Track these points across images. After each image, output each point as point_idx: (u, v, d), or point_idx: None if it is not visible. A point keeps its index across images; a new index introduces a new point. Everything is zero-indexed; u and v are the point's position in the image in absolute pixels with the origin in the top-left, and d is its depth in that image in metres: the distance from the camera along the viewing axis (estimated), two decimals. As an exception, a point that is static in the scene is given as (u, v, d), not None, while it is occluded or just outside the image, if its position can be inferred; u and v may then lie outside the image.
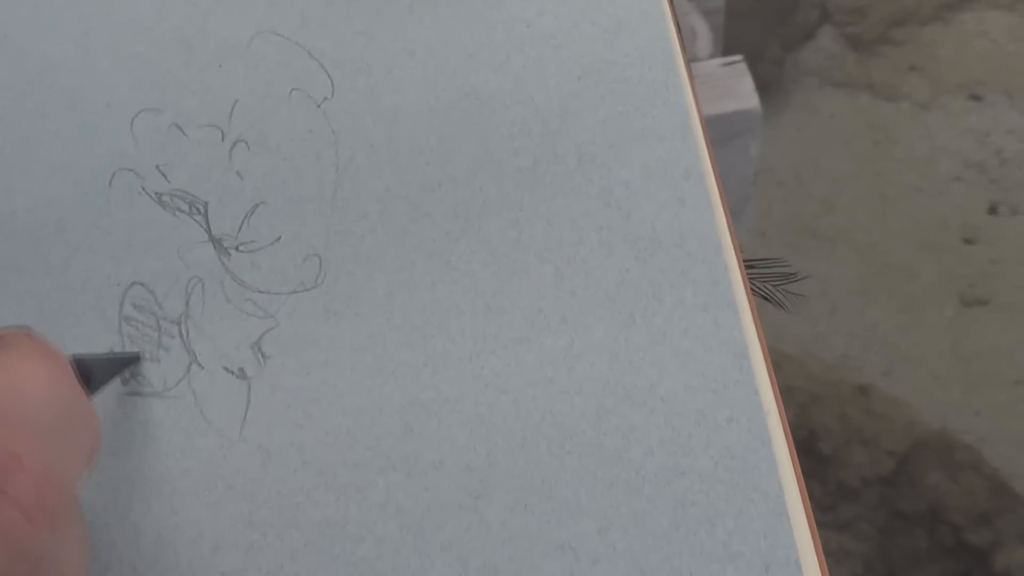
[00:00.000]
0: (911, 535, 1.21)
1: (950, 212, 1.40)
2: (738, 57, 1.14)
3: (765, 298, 0.55)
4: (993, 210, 1.39)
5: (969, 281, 1.34)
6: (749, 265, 0.38)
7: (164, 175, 0.39)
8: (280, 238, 0.38)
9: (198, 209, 0.38)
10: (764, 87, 1.37)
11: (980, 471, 1.23)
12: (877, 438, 1.26)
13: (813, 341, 1.30)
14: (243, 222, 0.38)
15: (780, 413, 0.35)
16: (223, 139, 0.39)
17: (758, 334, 0.36)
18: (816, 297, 1.32)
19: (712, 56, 1.24)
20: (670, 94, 0.39)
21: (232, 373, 0.36)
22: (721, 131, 1.04)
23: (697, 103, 0.39)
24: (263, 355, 0.36)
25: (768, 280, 0.52)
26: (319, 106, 0.40)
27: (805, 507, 0.34)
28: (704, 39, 1.28)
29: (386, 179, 0.38)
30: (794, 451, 0.35)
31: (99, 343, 0.37)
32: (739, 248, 0.37)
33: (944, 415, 1.27)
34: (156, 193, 0.39)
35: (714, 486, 0.34)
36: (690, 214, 0.37)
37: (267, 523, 0.34)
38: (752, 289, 0.37)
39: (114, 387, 0.36)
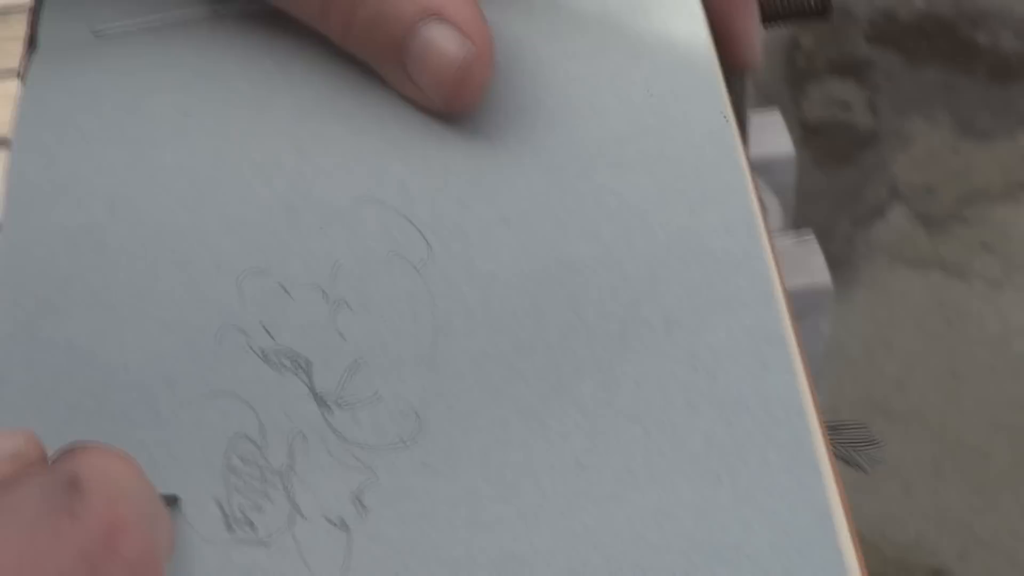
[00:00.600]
0: None
1: None
2: (809, 233, 1.27)
3: (846, 461, 0.65)
4: (1067, 390, 1.49)
5: (1045, 463, 1.45)
6: (831, 428, 0.47)
7: (269, 333, 0.50)
8: (379, 395, 0.49)
9: (301, 366, 0.49)
10: (834, 264, 1.49)
11: (1056, 655, 1.30)
12: None
13: (886, 522, 1.40)
14: (344, 379, 0.49)
15: (863, 570, 0.45)
16: (326, 300, 0.51)
17: (840, 496, 0.46)
18: (888, 477, 1.42)
19: (783, 232, 1.36)
20: (753, 263, 0.50)
21: (333, 524, 0.46)
22: (793, 307, 1.15)
23: (780, 272, 0.50)
24: (363, 507, 0.47)
25: (849, 444, 0.61)
26: (417, 269, 0.51)
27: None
28: (775, 214, 1.40)
29: (481, 341, 0.49)
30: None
31: (205, 493, 0.47)
32: (821, 412, 0.48)
33: None
34: (262, 350, 0.50)
35: (798, 644, 0.43)
36: (774, 378, 0.48)
37: (367, 673, 0.44)
38: (834, 452, 0.47)
39: (217, 533, 0.47)
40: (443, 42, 0.48)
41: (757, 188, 0.50)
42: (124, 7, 0.58)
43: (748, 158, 0.53)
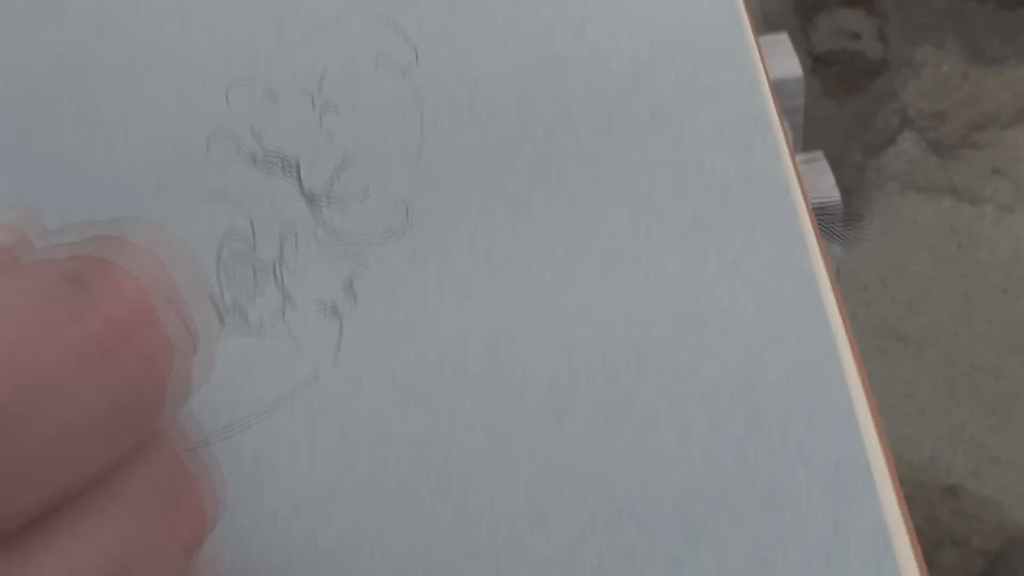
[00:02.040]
0: (1003, 636, 1.32)
1: None
2: (818, 154, 1.31)
3: (831, 236, 0.68)
4: (1079, 310, 1.54)
5: (1057, 380, 1.50)
6: (816, 208, 0.50)
7: (258, 139, 0.54)
8: (368, 191, 0.52)
9: (290, 168, 0.53)
10: (846, 192, 1.53)
11: (1072, 568, 1.34)
12: (967, 538, 1.38)
13: (900, 443, 1.45)
14: (333, 178, 0.52)
15: (848, 333, 0.48)
16: (313, 106, 0.54)
17: (826, 266, 0.49)
18: (902, 399, 1.46)
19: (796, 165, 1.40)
20: (737, 54, 0.53)
21: (325, 312, 0.50)
22: (778, 100, 1.20)
23: (764, 63, 0.54)
24: (354, 295, 0.50)
25: (833, 221, 0.64)
26: (403, 74, 0.54)
27: (873, 414, 0.46)
28: (789, 138, 1.45)
29: (469, 137, 0.53)
30: (862, 364, 0.48)
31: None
32: (807, 192, 0.51)
33: None
34: (250, 154, 0.53)
35: (785, 397, 0.46)
36: (759, 161, 0.51)
37: (360, 438, 0.47)
38: (819, 228, 0.51)
39: (211, 326, 0.50)
40: None
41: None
42: None
43: None
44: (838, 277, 1.44)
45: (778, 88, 1.53)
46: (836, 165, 1.66)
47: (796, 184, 0.49)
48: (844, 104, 1.78)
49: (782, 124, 0.52)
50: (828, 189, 1.29)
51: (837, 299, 0.47)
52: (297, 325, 0.49)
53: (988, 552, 1.37)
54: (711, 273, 0.48)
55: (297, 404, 0.47)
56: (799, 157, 1.32)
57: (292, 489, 0.46)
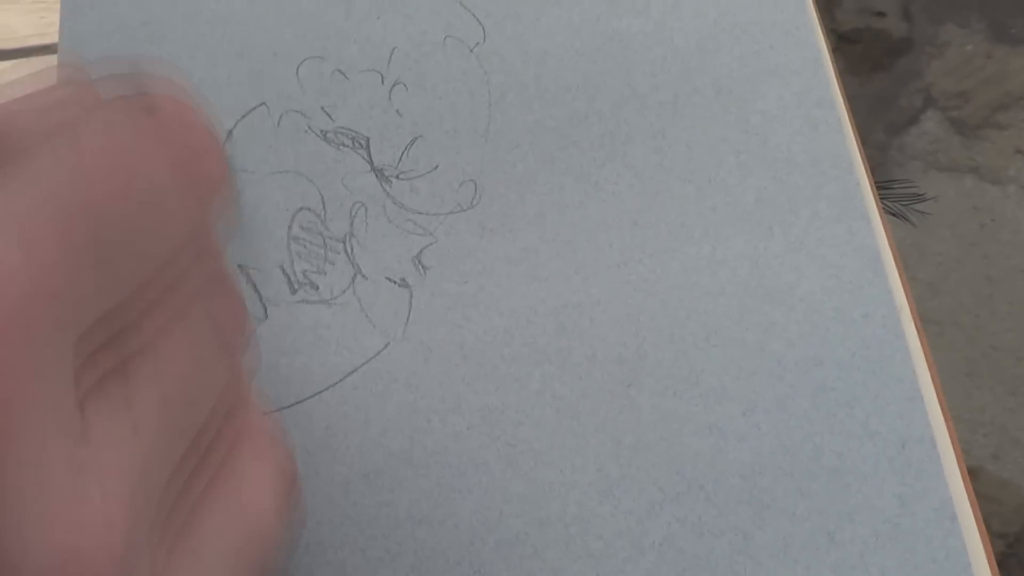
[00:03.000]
0: (1022, 617, 1.30)
1: None
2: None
3: (894, 215, 0.66)
4: (1100, 292, 1.52)
5: (1078, 363, 1.47)
6: (880, 185, 0.49)
7: (329, 115, 0.52)
8: (437, 167, 0.51)
9: (361, 144, 0.52)
10: (917, 195, 1.52)
11: (1091, 551, 1.33)
12: (987, 520, 1.37)
13: None
14: (403, 154, 0.51)
15: (912, 311, 0.46)
16: (383, 82, 0.53)
17: (890, 243, 0.48)
18: None
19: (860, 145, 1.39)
20: (801, 33, 0.52)
21: (394, 283, 0.49)
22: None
23: (828, 42, 0.52)
24: (423, 267, 0.49)
25: (898, 200, 0.63)
26: (471, 51, 0.53)
27: (938, 393, 0.45)
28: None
29: (536, 113, 0.51)
30: (926, 342, 0.46)
31: (269, 260, 0.49)
32: (870, 169, 0.49)
33: None
34: (321, 131, 0.52)
35: (851, 373, 0.45)
36: (823, 138, 0.49)
37: (431, 410, 0.46)
38: (883, 207, 0.49)
39: (282, 296, 0.49)
40: None
41: None
42: None
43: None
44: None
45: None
46: (859, 144, 1.64)
47: (860, 161, 0.48)
48: (868, 83, 1.76)
49: (846, 105, 0.50)
50: (904, 190, 1.27)
51: (901, 277, 0.46)
52: (367, 296, 0.47)
53: (1007, 535, 1.36)
54: (776, 249, 0.46)
55: (368, 374, 0.46)
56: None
57: (363, 459, 0.45)
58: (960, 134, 1.73)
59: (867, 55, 1.85)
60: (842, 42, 1.88)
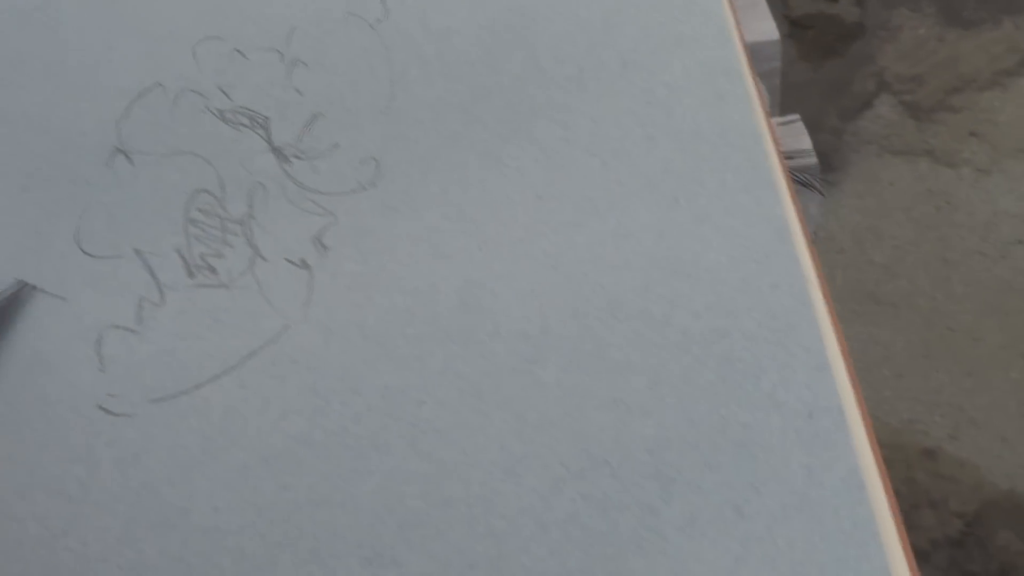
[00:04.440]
0: (982, 597, 1.32)
1: (1013, 275, 1.55)
2: (795, 116, 1.30)
3: (802, 184, 0.66)
4: (1056, 272, 1.54)
5: (1034, 343, 1.49)
6: (787, 155, 0.49)
7: (226, 94, 0.52)
8: (338, 145, 0.51)
9: (259, 123, 0.51)
10: (823, 156, 1.52)
11: (1050, 531, 1.34)
12: (945, 500, 1.38)
13: (878, 406, 1.44)
14: (303, 132, 0.51)
15: (820, 278, 0.47)
16: (282, 60, 0.53)
17: (798, 213, 0.48)
18: (880, 362, 1.46)
19: (769, 115, 1.40)
20: (707, 2, 0.52)
21: (294, 264, 0.48)
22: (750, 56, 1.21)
23: (735, 13, 0.52)
24: (324, 247, 0.48)
25: (804, 169, 0.63)
26: (373, 27, 0.53)
27: (846, 362, 0.45)
28: (764, 100, 1.44)
29: (438, 89, 0.51)
30: (834, 312, 0.46)
31: (166, 244, 0.49)
32: (778, 139, 0.50)
33: (1012, 476, 1.39)
34: (219, 110, 0.52)
35: (758, 344, 0.45)
36: (730, 109, 0.50)
37: (331, 391, 0.46)
38: (790, 176, 0.49)
39: (179, 280, 0.49)
40: None
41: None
42: None
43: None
44: (815, 240, 1.43)
45: (754, 51, 1.52)
46: (813, 129, 1.65)
47: (767, 131, 0.48)
48: (821, 68, 1.76)
49: (754, 79, 0.50)
50: (805, 153, 1.28)
51: (809, 247, 0.46)
52: (267, 278, 0.47)
53: (966, 514, 1.37)
54: (682, 220, 0.46)
55: (267, 357, 0.46)
56: (775, 120, 1.31)
57: (262, 442, 0.44)
58: (914, 118, 1.74)
59: (820, 41, 1.86)
60: (795, 28, 1.89)
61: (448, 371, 0.45)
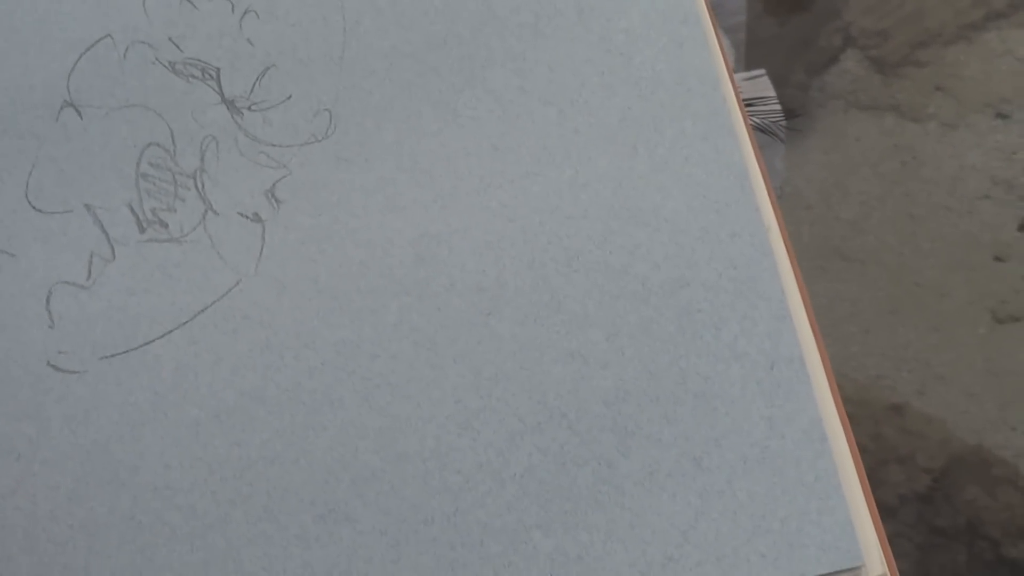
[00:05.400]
0: (950, 551, 1.31)
1: (979, 230, 1.54)
2: (760, 71, 1.28)
3: (763, 131, 0.65)
4: (1023, 227, 1.52)
5: (1001, 298, 1.48)
6: (747, 103, 0.48)
7: (177, 45, 0.50)
8: (291, 96, 0.49)
9: (210, 75, 0.50)
10: (789, 112, 1.51)
11: (1017, 485, 1.34)
12: (912, 456, 1.37)
13: (845, 362, 1.43)
14: (255, 84, 0.49)
15: (781, 228, 0.45)
16: (232, 11, 0.51)
17: (758, 160, 0.47)
18: (847, 318, 1.45)
19: (734, 71, 1.38)
20: (666, -52, 0.50)
21: (247, 217, 0.47)
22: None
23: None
24: (277, 200, 0.47)
25: (765, 115, 0.62)
26: (326, -24, 0.51)
27: (808, 312, 0.44)
28: (725, 54, 1.43)
29: (392, 38, 0.50)
30: (795, 262, 0.45)
31: (117, 199, 0.48)
32: (737, 87, 0.48)
33: (979, 431, 1.39)
34: (169, 62, 0.50)
35: (718, 294, 0.44)
36: (688, 55, 0.48)
37: (284, 346, 0.45)
38: (751, 124, 0.48)
39: (131, 236, 0.47)
40: None
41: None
42: None
43: None
44: (780, 196, 1.42)
45: (719, 6, 1.51)
46: (779, 84, 1.64)
47: (727, 78, 0.47)
48: (787, 23, 1.75)
49: (716, 29, 0.49)
50: (768, 99, 1.27)
51: (770, 195, 0.45)
52: (218, 232, 0.46)
53: (933, 469, 1.37)
54: (641, 169, 0.45)
55: (219, 312, 0.44)
56: (741, 75, 1.30)
57: (214, 399, 0.43)
58: (880, 72, 1.73)
59: (785, -2, 1.85)
60: (760, -17, 1.87)
61: (403, 324, 0.44)
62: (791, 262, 0.44)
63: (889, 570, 0.39)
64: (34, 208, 0.47)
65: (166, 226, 0.46)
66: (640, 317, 0.43)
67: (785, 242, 0.44)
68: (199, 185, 0.47)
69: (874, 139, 1.65)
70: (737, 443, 0.41)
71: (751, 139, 0.46)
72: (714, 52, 0.47)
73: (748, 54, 1.33)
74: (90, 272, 0.45)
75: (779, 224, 0.44)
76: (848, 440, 0.42)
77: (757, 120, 0.63)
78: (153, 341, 0.44)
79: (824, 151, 1.63)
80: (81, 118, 0.48)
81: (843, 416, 0.42)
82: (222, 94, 0.48)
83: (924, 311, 1.51)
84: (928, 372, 1.47)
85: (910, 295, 1.52)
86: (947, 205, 1.58)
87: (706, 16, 0.48)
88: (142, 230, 0.46)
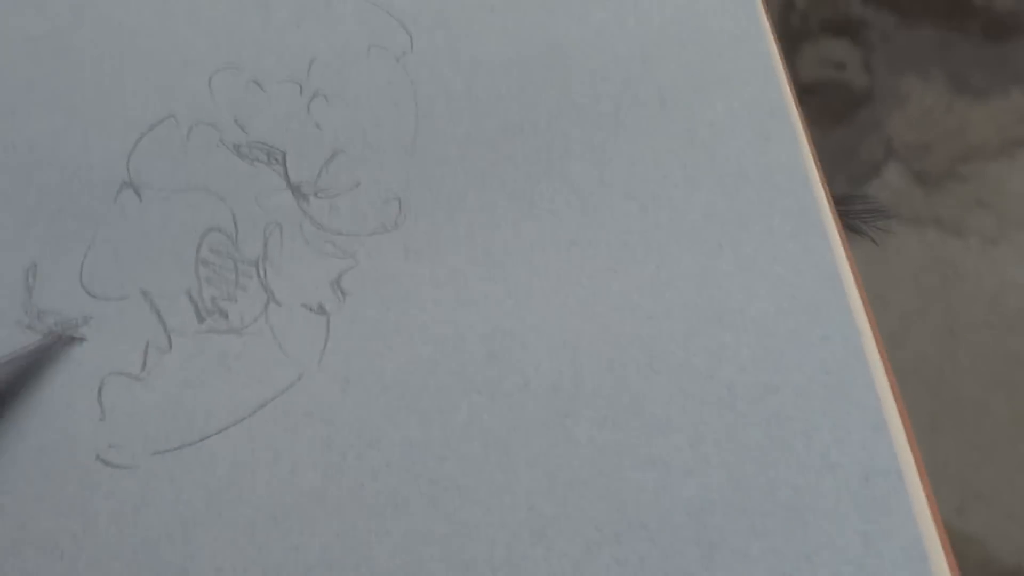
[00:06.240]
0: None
1: (1020, 347, 1.51)
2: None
3: (855, 231, 0.63)
4: (1064, 345, 1.49)
5: (1042, 416, 1.45)
6: (839, 199, 0.45)
7: (242, 128, 0.48)
8: (359, 184, 0.47)
9: (276, 159, 0.48)
10: (879, 212, 1.50)
11: (1056, 608, 1.29)
12: None
13: None
14: (322, 169, 0.47)
15: (874, 331, 0.43)
16: (301, 93, 0.49)
17: (850, 262, 0.44)
18: None
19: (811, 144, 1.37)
20: (752, 41, 0.48)
21: (311, 309, 0.44)
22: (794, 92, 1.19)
23: (781, 53, 0.49)
24: (342, 292, 0.45)
25: (858, 216, 0.59)
26: (398, 60, 0.49)
27: (904, 423, 0.41)
28: (813, 150, 1.41)
29: (466, 126, 0.48)
30: (890, 369, 0.42)
31: (175, 286, 0.45)
32: (827, 184, 0.46)
33: (1020, 552, 1.34)
34: (234, 145, 0.48)
35: (809, 400, 0.41)
36: (776, 150, 0.46)
37: (346, 445, 0.42)
38: (842, 223, 0.46)
39: (188, 325, 0.45)
40: None
41: None
42: None
43: None
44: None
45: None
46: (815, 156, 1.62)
47: (816, 174, 0.44)
48: (829, 134, 1.73)
49: (803, 122, 0.47)
50: (858, 199, 1.25)
51: (862, 297, 0.42)
52: (281, 324, 0.43)
53: (973, 592, 1.33)
54: (726, 268, 0.42)
55: (279, 407, 0.42)
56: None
57: (271, 499, 0.40)
58: (922, 186, 1.71)
59: (828, 106, 1.84)
60: (803, 93, 1.86)
61: (473, 425, 0.41)
62: (886, 369, 0.41)
63: None
64: (88, 293, 0.44)
65: (226, 316, 0.44)
66: (726, 423, 0.40)
67: (879, 347, 0.41)
68: (261, 273, 0.44)
69: (915, 252, 1.63)
70: (830, 560, 0.38)
71: (841, 238, 0.43)
72: (803, 147, 0.45)
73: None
74: (145, 362, 0.43)
75: (872, 328, 0.42)
76: (949, 563, 0.38)
77: (848, 220, 0.61)
78: (209, 437, 0.42)
79: (865, 263, 1.61)
80: (140, 200, 0.46)
81: (943, 535, 0.39)
82: (288, 179, 0.46)
83: (964, 428, 1.47)
84: (968, 490, 1.42)
85: (950, 411, 1.48)
86: (988, 321, 1.55)
87: (794, 109, 0.45)
88: (201, 319, 0.44)
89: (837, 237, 0.43)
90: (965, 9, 1.89)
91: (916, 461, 0.40)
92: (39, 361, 0.44)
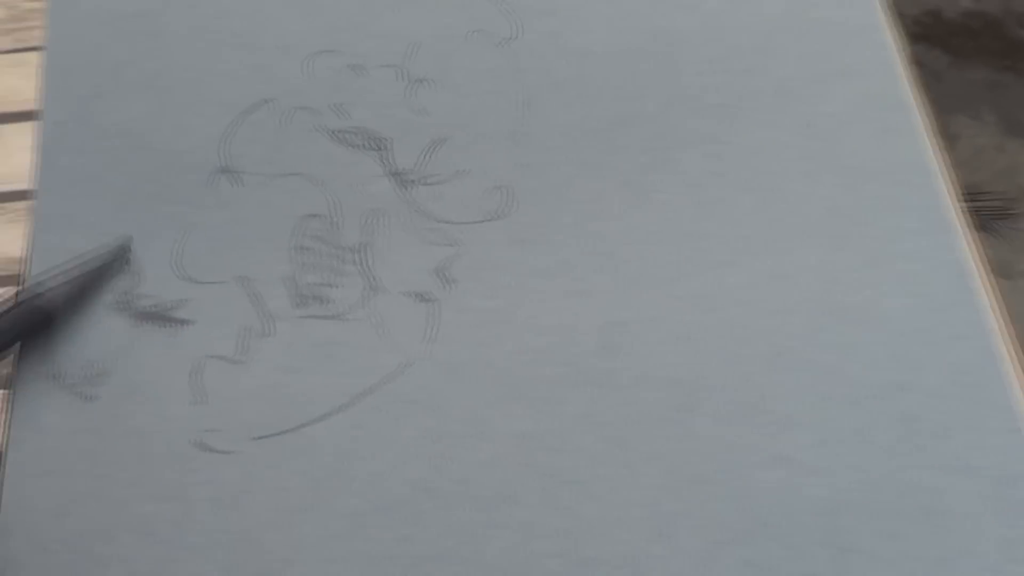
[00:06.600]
0: None
1: None
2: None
3: (983, 229, 0.61)
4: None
5: None
6: (967, 195, 0.44)
7: (341, 113, 0.47)
8: (464, 171, 0.45)
9: (377, 145, 0.46)
10: (1004, 208, 1.47)
11: None
12: None
13: None
14: (425, 157, 0.46)
15: (1010, 332, 0.41)
16: (403, 78, 0.48)
17: (979, 258, 0.42)
18: None
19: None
20: (871, 33, 0.46)
21: (415, 296, 0.43)
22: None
23: (898, 44, 0.47)
24: (448, 280, 0.43)
25: (986, 211, 0.58)
26: (502, 46, 0.48)
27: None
28: (936, 143, 1.41)
29: (574, 114, 0.46)
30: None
31: (272, 272, 0.44)
32: (954, 180, 0.44)
33: None
34: (332, 130, 0.47)
35: (942, 401, 0.39)
36: (899, 143, 0.44)
37: (455, 436, 0.40)
38: (970, 220, 0.44)
39: (287, 311, 0.43)
40: None
41: None
42: None
43: None
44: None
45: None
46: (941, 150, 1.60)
47: (941, 169, 0.42)
48: (880, 170, 1.72)
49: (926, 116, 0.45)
50: (986, 195, 1.22)
51: (994, 294, 0.40)
52: (384, 311, 0.42)
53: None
54: (850, 264, 0.41)
55: (383, 396, 0.40)
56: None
57: (378, 489, 0.39)
58: (973, 227, 1.70)
59: (878, 144, 1.83)
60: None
61: (587, 418, 0.39)
62: (1021, 368, 0.39)
63: None
64: (184, 277, 0.43)
65: (326, 302, 0.42)
66: (854, 421, 0.38)
67: (1014, 347, 0.40)
68: (363, 260, 0.43)
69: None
70: (968, 566, 0.36)
71: (970, 235, 0.42)
72: (926, 140, 0.43)
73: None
74: (243, 347, 0.41)
75: (1007, 327, 0.40)
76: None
77: (977, 216, 0.59)
78: (311, 423, 0.40)
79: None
80: (237, 185, 0.45)
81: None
82: (389, 166, 0.45)
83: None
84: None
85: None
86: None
87: (916, 104, 0.44)
88: (299, 305, 0.42)
89: (966, 232, 0.41)
90: (1017, 49, 1.87)
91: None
92: (95, 279, 0.42)
